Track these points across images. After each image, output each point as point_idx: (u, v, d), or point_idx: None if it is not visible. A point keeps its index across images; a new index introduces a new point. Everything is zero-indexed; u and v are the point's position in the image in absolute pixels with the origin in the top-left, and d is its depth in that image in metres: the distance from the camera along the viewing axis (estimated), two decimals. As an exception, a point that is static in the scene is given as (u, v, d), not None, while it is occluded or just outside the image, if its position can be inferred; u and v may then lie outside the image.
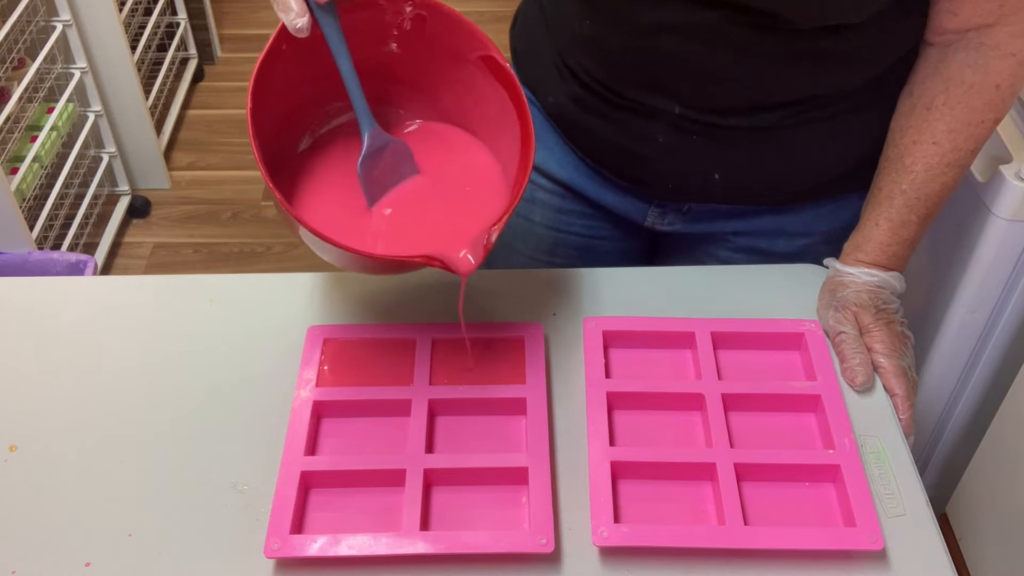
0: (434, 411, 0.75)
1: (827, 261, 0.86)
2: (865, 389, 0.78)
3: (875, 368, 0.79)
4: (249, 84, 0.66)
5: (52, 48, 1.89)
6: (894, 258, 0.82)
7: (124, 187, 2.19)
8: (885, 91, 0.83)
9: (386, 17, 0.71)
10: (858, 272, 0.82)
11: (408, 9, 0.71)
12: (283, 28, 0.66)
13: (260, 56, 0.66)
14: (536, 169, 0.97)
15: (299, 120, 0.77)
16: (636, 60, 0.81)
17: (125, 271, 2.12)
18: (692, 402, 0.76)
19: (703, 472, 0.71)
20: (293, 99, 0.74)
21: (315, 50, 0.67)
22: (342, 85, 0.70)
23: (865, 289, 0.81)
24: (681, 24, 0.76)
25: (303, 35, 0.65)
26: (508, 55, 0.96)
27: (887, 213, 0.81)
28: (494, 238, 0.70)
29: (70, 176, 1.96)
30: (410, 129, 0.80)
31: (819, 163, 0.86)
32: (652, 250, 1.05)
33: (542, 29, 0.91)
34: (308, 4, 0.65)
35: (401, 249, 0.73)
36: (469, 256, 0.70)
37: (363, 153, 0.73)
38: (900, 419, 0.77)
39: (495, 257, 0.79)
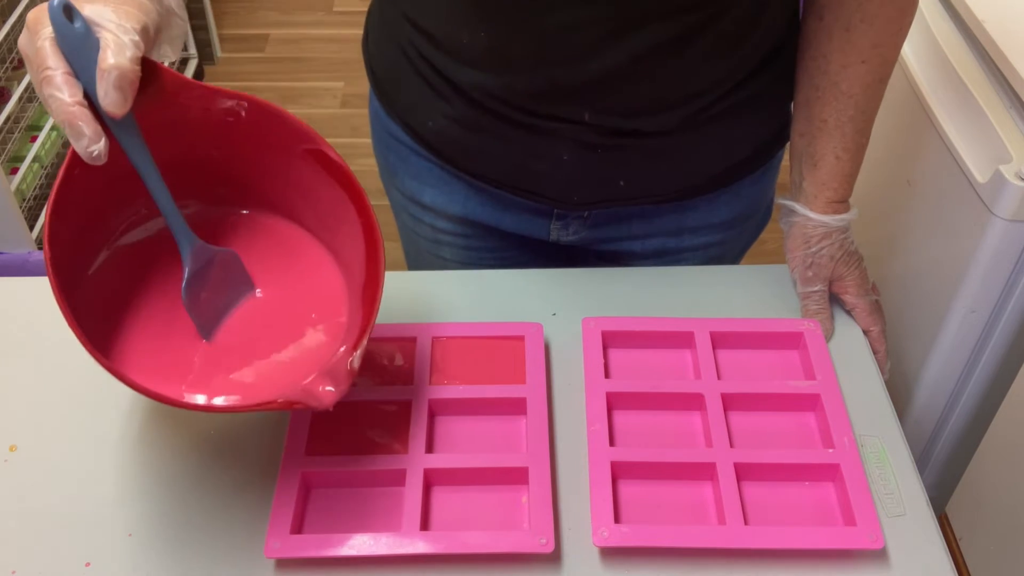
0: (434, 411, 0.75)
1: (784, 202, 0.86)
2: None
3: (850, 309, 0.85)
4: (45, 229, 0.58)
5: (52, 48, 1.88)
6: (851, 185, 0.83)
7: (124, 187, 2.19)
8: (775, 77, 0.83)
9: (192, 115, 0.64)
10: (830, 220, 0.83)
11: (218, 106, 0.64)
12: (76, 153, 0.57)
13: (53, 191, 0.57)
14: (430, 210, 0.94)
15: (102, 249, 0.69)
16: (541, 67, 0.76)
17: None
18: (692, 402, 0.76)
19: (703, 472, 0.71)
20: (94, 226, 0.67)
21: (114, 168, 0.58)
22: (149, 198, 0.62)
23: (838, 240, 0.83)
24: (588, 22, 0.72)
25: (101, 162, 0.56)
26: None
27: (843, 143, 0.81)
28: (356, 364, 0.65)
29: (70, 176, 1.96)
30: (234, 225, 0.73)
31: (718, 156, 0.86)
32: (567, 267, 1.04)
33: (411, 48, 0.83)
34: (104, 124, 0.57)
35: (255, 394, 0.67)
36: (332, 392, 0.64)
37: (186, 277, 0.66)
38: (876, 353, 0.83)
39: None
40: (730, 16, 0.74)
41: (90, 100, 0.56)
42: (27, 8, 1.80)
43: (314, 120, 2.50)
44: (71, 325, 0.58)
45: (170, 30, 0.62)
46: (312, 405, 0.63)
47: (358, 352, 0.65)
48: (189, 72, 2.57)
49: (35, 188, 1.86)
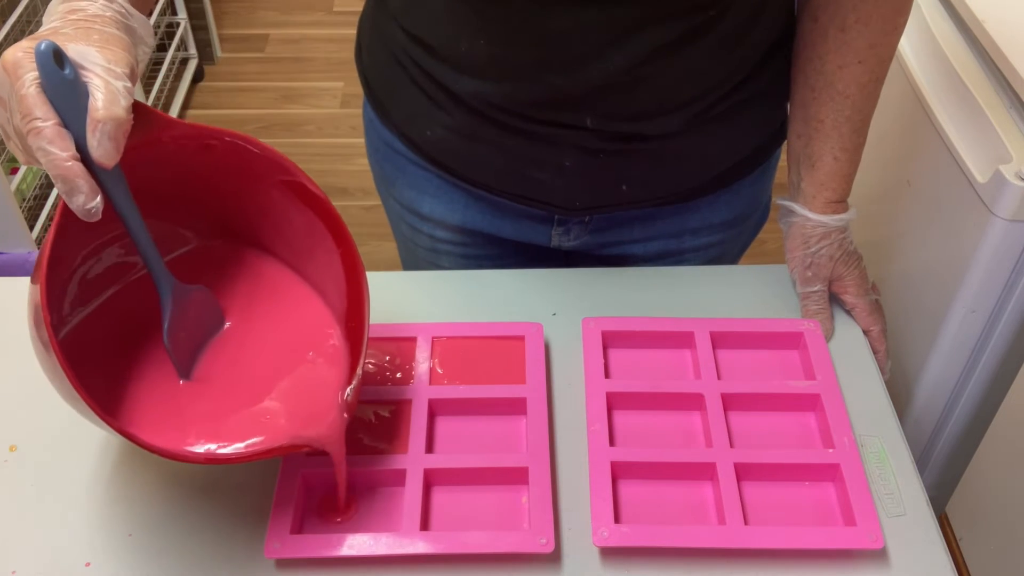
0: (434, 411, 0.75)
1: (783, 203, 0.86)
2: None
3: (850, 309, 0.85)
4: (41, 285, 0.56)
5: (52, 48, 1.88)
6: (849, 185, 0.84)
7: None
8: (776, 74, 0.83)
9: (169, 149, 0.62)
10: (828, 220, 0.83)
11: (196, 143, 0.63)
12: (67, 208, 0.55)
13: (46, 250, 0.56)
14: (429, 220, 0.93)
15: (86, 304, 0.69)
16: (543, 73, 0.75)
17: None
18: (692, 402, 0.76)
19: (703, 472, 0.71)
20: (78, 276, 0.66)
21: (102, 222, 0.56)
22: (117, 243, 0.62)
23: (837, 239, 0.83)
24: (589, 26, 0.72)
25: (96, 219, 0.54)
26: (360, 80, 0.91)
27: (841, 143, 0.81)
28: (352, 398, 0.66)
29: (70, 176, 1.95)
30: (208, 258, 0.73)
31: (720, 156, 0.86)
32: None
33: (406, 57, 0.82)
34: (92, 173, 0.54)
35: (259, 440, 0.65)
36: (336, 428, 0.64)
37: (167, 322, 0.65)
38: (876, 352, 0.83)
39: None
40: (730, 16, 0.74)
41: (78, 148, 0.54)
42: (27, 8, 1.80)
43: (314, 120, 2.51)
44: (79, 393, 0.56)
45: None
46: (315, 447, 0.64)
47: (353, 384, 0.66)
48: (189, 73, 2.57)
49: (35, 188, 1.86)
